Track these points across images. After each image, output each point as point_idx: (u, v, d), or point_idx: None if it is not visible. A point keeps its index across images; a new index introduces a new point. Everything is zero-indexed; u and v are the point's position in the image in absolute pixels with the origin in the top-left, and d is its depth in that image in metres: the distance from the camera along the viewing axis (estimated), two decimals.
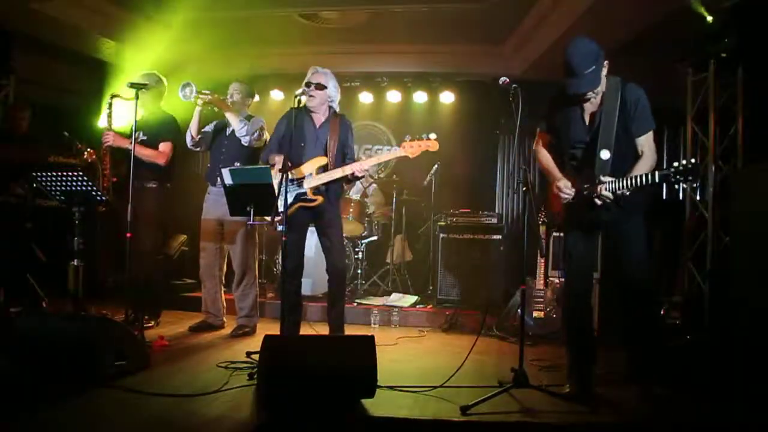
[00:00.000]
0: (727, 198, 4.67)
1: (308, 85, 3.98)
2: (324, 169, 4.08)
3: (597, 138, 3.12)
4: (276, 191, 3.73)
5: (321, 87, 4.07)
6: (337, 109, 4.29)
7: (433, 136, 4.08)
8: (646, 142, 3.12)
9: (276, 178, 3.87)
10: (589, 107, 3.20)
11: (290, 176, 3.91)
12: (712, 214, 4.81)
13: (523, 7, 5.66)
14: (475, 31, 6.23)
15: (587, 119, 3.21)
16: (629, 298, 3.27)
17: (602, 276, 4.70)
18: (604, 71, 3.09)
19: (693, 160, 2.82)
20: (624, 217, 3.17)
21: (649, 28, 4.93)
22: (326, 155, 4.10)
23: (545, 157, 3.42)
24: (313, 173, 4.07)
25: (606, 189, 3.02)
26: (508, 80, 3.34)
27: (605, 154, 3.08)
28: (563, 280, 3.63)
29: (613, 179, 3.02)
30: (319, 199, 4.07)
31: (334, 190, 4.16)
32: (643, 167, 3.05)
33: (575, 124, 3.23)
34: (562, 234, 3.56)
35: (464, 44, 6.69)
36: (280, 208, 3.81)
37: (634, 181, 2.95)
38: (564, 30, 5.30)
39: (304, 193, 4.05)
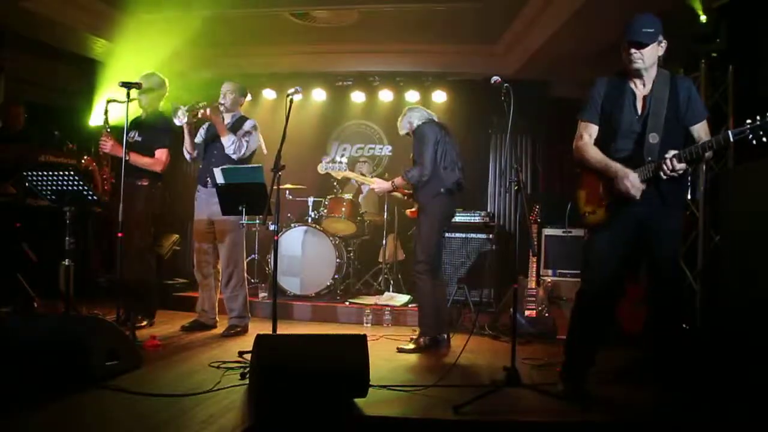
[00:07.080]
0: (717, 197, 4.70)
1: None
2: None
3: (646, 125, 2.99)
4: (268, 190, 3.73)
5: None
6: (415, 124, 4.65)
7: None
8: (702, 129, 2.97)
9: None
10: (640, 93, 3.06)
11: None
12: (703, 213, 4.83)
13: (515, 6, 5.67)
14: (467, 30, 6.24)
15: (639, 107, 3.05)
16: (659, 298, 3.09)
17: None
18: (661, 49, 3.01)
19: None
20: (664, 212, 2.99)
21: None
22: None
23: (597, 152, 3.09)
24: None
25: (676, 159, 2.80)
26: (500, 79, 3.34)
27: (654, 138, 2.96)
28: (581, 277, 3.34)
29: (679, 151, 2.82)
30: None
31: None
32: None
33: (628, 112, 3.05)
34: (586, 233, 3.37)
35: (456, 43, 6.70)
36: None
37: (703, 147, 2.77)
38: (556, 29, 5.32)
39: None
